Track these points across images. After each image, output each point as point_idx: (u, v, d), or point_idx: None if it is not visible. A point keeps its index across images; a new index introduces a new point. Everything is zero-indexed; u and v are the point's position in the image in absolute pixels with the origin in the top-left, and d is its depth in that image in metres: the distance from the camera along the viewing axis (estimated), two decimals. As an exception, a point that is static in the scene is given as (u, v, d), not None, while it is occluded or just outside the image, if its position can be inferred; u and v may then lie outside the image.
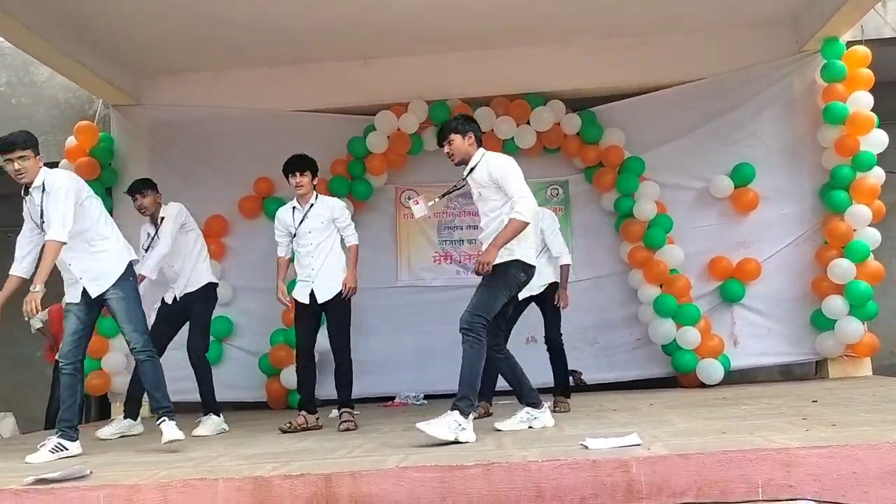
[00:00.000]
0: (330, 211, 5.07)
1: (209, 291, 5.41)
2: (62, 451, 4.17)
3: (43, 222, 4.15)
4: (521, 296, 4.59)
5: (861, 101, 6.65)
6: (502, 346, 4.34)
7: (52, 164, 7.07)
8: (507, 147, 7.12)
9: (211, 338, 5.57)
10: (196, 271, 5.34)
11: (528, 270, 4.16)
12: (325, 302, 5.01)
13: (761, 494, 2.88)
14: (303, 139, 7.13)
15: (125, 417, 5.33)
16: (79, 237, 4.21)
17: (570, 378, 5.74)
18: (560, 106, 7.12)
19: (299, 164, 5.06)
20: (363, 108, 7.25)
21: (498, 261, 4.02)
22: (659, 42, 7.06)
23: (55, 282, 7.14)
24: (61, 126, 7.78)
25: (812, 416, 4.00)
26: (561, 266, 5.35)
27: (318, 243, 5.02)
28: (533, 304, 5.35)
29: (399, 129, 7.13)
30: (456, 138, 4.24)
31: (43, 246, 4.13)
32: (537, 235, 5.07)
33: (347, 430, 4.80)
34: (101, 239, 4.32)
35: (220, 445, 4.34)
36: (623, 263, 7.10)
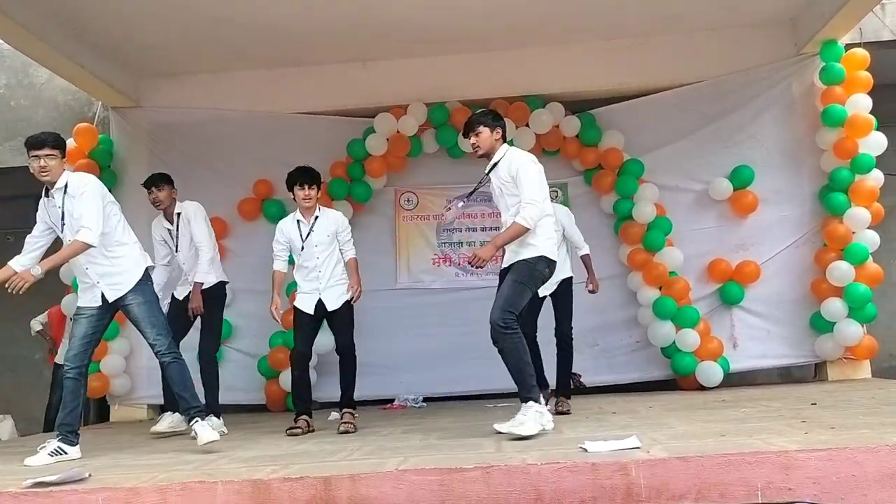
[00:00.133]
0: (335, 225, 5.11)
1: (220, 290, 5.47)
2: (61, 454, 4.17)
3: (64, 224, 4.19)
4: (541, 292, 4.61)
5: (860, 104, 6.66)
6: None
7: (52, 167, 7.13)
8: (507, 149, 7.13)
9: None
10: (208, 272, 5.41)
11: (551, 266, 4.23)
12: (332, 310, 5.06)
13: (760, 497, 2.88)
14: (302, 141, 7.17)
15: (172, 412, 5.36)
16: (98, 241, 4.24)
17: (570, 381, 5.74)
18: (559, 108, 7.13)
19: (308, 177, 5.06)
20: (362, 110, 7.24)
21: (523, 257, 4.09)
22: (658, 44, 7.06)
23: (56, 285, 7.18)
24: (60, 128, 7.74)
25: (811, 419, 4.00)
26: (583, 256, 5.60)
27: (326, 256, 5.05)
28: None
29: (398, 132, 7.13)
30: (484, 131, 4.29)
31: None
32: (558, 231, 5.11)
33: (346, 432, 4.80)
34: (119, 245, 4.34)
35: (219, 448, 4.33)
36: (622, 266, 7.10)
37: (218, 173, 7.26)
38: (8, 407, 7.94)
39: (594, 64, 7.16)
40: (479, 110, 4.62)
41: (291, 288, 6.68)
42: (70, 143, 7.09)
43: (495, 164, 4.28)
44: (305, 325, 5.07)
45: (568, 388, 5.45)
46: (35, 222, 4.39)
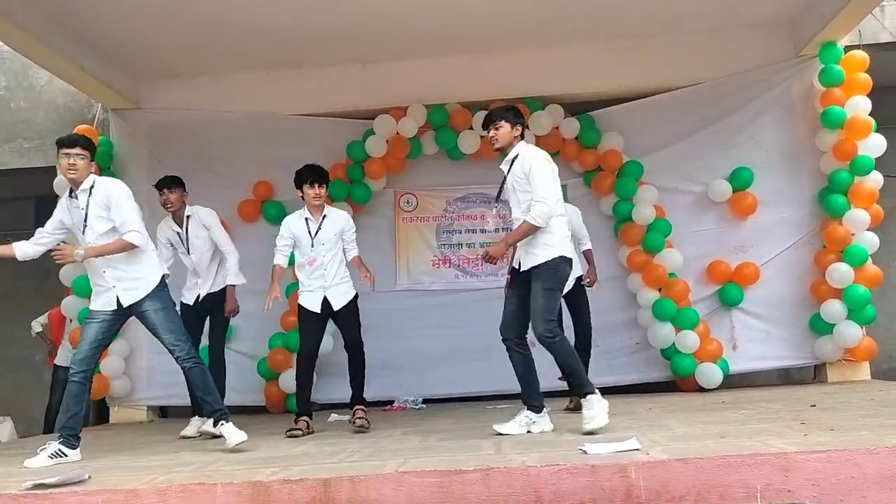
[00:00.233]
0: (342, 224, 5.17)
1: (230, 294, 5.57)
2: (61, 457, 4.17)
3: (86, 226, 4.25)
4: None
5: (859, 106, 6.66)
6: (524, 341, 4.35)
7: (51, 168, 7.12)
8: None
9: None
10: (219, 275, 5.54)
11: (570, 264, 4.32)
12: (338, 308, 5.09)
13: (760, 499, 2.88)
14: (301, 143, 7.16)
15: (199, 416, 5.38)
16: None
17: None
18: (559, 110, 7.13)
19: (318, 175, 5.11)
20: (362, 111, 7.24)
21: (541, 259, 4.14)
22: (657, 45, 7.06)
23: (56, 286, 7.19)
24: (60, 130, 7.76)
25: (811, 421, 4.00)
26: (585, 251, 5.74)
27: (332, 255, 5.09)
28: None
29: (398, 133, 7.13)
30: (505, 126, 4.33)
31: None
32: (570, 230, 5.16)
33: (362, 427, 4.88)
34: (139, 251, 4.35)
35: (219, 450, 4.33)
36: (622, 267, 7.10)
37: (218, 175, 7.26)
38: (8, 408, 7.94)
39: (594, 66, 7.16)
40: (501, 105, 4.66)
41: (291, 289, 6.71)
42: (70, 144, 7.12)
43: (513, 160, 4.31)
44: (312, 324, 5.08)
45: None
46: (38, 225, 4.41)
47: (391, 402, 6.75)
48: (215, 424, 4.34)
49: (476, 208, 7.42)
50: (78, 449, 4.29)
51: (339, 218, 5.20)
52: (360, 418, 4.99)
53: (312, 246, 5.06)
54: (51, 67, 6.72)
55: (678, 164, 7.09)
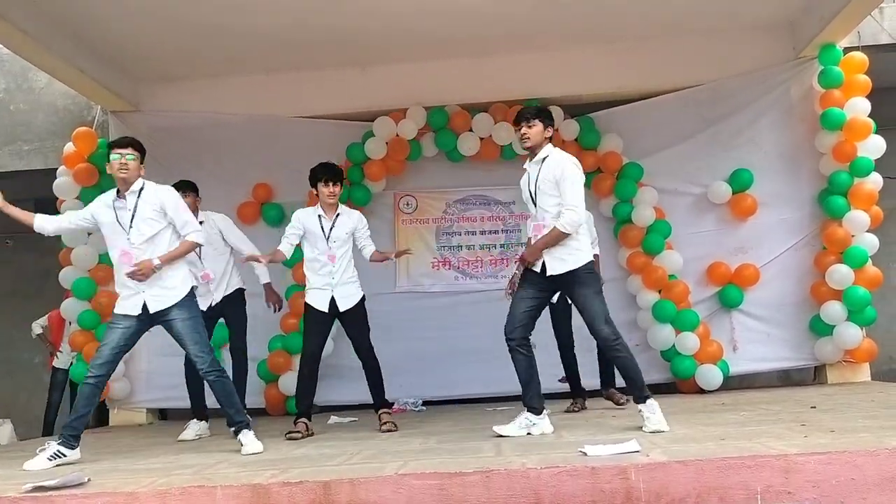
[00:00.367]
0: (354, 223, 5.17)
1: (241, 295, 5.72)
2: (60, 458, 4.17)
3: (132, 227, 4.29)
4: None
5: (858, 107, 6.67)
6: (528, 342, 4.35)
7: (51, 171, 7.16)
8: (505, 153, 7.14)
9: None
10: (231, 278, 5.66)
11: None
12: (345, 310, 5.08)
13: (760, 501, 2.88)
14: (301, 145, 7.16)
15: (197, 419, 5.53)
16: (155, 250, 4.31)
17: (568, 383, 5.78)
18: (558, 112, 7.09)
19: (334, 173, 5.11)
20: (361, 114, 7.24)
21: (572, 266, 4.20)
22: (656, 47, 7.07)
23: (56, 288, 7.18)
24: (60, 132, 7.80)
25: (811, 423, 4.00)
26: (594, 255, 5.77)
27: (342, 253, 5.10)
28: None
29: (397, 135, 7.14)
30: (538, 125, 4.35)
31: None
32: None
33: (389, 430, 4.91)
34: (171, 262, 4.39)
35: (219, 452, 4.33)
36: (622, 269, 7.10)
37: (217, 177, 7.25)
38: (7, 411, 7.94)
39: (593, 68, 7.17)
40: (534, 105, 4.67)
41: (290, 292, 6.71)
42: (69, 147, 7.13)
43: (543, 160, 4.32)
44: (318, 324, 5.07)
45: (614, 380, 5.57)
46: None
47: (391, 404, 6.72)
48: (236, 434, 4.35)
49: (475, 210, 7.42)
50: (77, 449, 4.29)
51: (352, 216, 5.21)
52: (385, 422, 5.02)
53: (328, 244, 5.05)
54: (50, 70, 6.72)
55: (678, 166, 7.10)
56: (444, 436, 4.50)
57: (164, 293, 4.31)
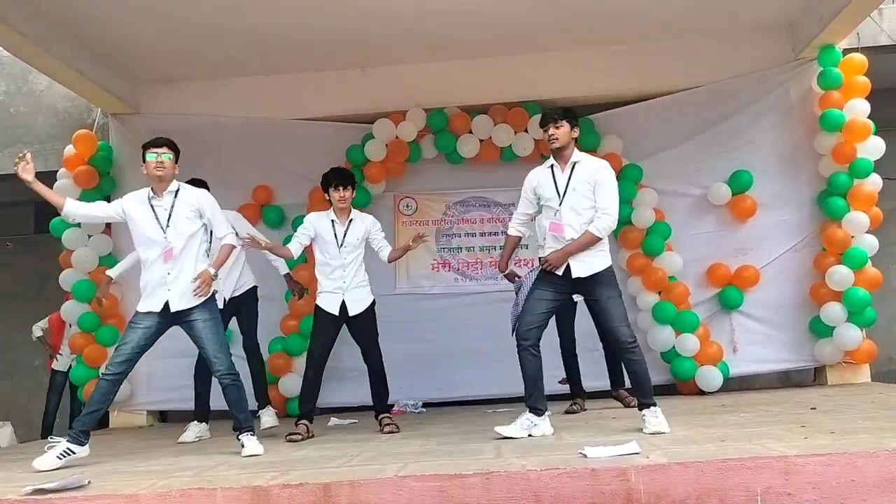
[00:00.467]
0: (366, 227, 5.19)
1: (254, 293, 5.73)
2: (70, 455, 4.18)
3: (168, 227, 4.34)
4: (576, 297, 4.60)
5: (858, 109, 6.67)
6: (539, 344, 4.35)
7: (51, 173, 7.16)
8: (505, 155, 7.14)
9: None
10: (242, 275, 5.64)
11: None
12: (355, 314, 5.09)
13: (760, 502, 2.88)
14: (301, 147, 7.18)
15: (197, 421, 5.55)
16: (190, 250, 4.37)
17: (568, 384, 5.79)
18: (558, 113, 7.13)
19: (346, 178, 5.13)
20: (361, 115, 7.24)
21: (596, 268, 4.24)
22: (656, 48, 7.07)
23: (56, 290, 7.18)
24: (60, 135, 7.80)
25: (811, 424, 4.00)
26: None
27: (353, 258, 5.11)
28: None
29: (397, 137, 7.14)
30: (566, 126, 4.35)
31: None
32: None
33: (392, 432, 4.95)
34: (200, 262, 4.42)
35: (219, 454, 4.33)
36: (622, 270, 7.07)
37: (217, 179, 7.16)
38: (7, 413, 7.94)
39: (593, 69, 7.17)
40: (560, 106, 4.64)
41: (289, 294, 6.71)
42: (69, 149, 7.13)
43: (576, 163, 4.32)
44: (327, 326, 5.07)
45: (623, 380, 5.59)
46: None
47: (391, 406, 6.73)
48: (239, 436, 4.35)
49: (475, 212, 7.42)
50: (87, 445, 4.30)
51: (364, 221, 5.22)
52: (388, 425, 5.05)
53: (340, 249, 5.06)
54: (50, 72, 6.72)
55: (677, 168, 7.09)
56: (443, 437, 4.50)
57: (188, 292, 4.33)
